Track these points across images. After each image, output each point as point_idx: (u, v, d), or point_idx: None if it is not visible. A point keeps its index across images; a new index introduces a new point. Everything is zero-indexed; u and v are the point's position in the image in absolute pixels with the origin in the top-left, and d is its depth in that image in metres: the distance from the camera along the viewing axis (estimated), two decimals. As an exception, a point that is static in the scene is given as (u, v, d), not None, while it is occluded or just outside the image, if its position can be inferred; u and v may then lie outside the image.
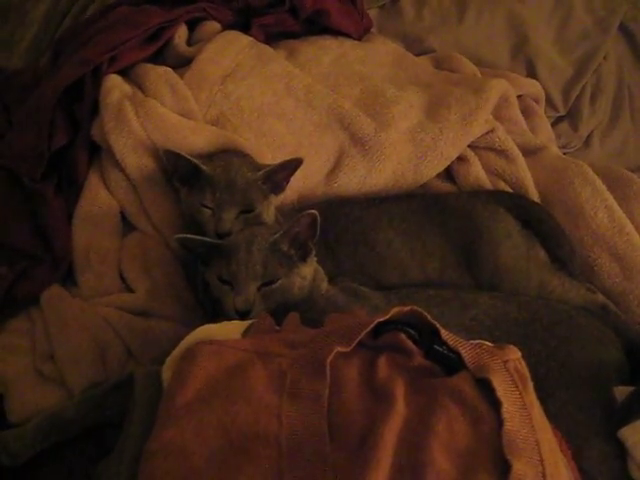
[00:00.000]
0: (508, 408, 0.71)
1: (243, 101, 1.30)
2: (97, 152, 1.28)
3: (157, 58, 1.37)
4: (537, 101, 1.58)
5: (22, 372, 1.06)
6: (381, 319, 0.80)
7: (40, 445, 0.94)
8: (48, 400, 1.03)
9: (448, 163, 1.35)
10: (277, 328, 0.88)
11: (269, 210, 1.17)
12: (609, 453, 0.91)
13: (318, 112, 1.34)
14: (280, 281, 1.03)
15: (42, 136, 1.22)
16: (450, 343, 0.79)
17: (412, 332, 0.81)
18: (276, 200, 1.19)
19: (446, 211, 1.24)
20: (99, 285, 1.18)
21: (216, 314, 1.09)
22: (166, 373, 0.82)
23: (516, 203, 1.28)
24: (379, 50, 1.54)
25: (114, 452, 0.84)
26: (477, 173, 1.36)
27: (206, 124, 1.26)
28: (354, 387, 0.75)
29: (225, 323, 0.89)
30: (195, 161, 1.13)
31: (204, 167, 1.13)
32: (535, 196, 1.33)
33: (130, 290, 1.19)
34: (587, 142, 1.63)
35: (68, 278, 1.21)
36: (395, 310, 0.81)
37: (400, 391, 0.73)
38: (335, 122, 1.34)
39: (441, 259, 1.20)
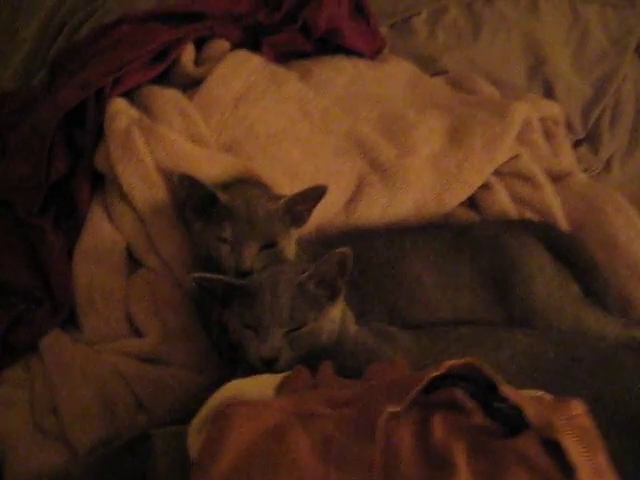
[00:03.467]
0: (582, 475, 0.63)
1: (257, 125, 1.23)
2: (99, 182, 1.19)
3: (162, 79, 1.28)
4: (556, 124, 1.52)
5: (21, 428, 0.98)
6: (435, 374, 0.72)
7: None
8: (50, 460, 0.95)
9: (472, 191, 1.28)
10: (314, 381, 0.80)
11: (291, 244, 1.09)
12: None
13: (335, 137, 1.27)
14: (308, 326, 0.94)
15: (40, 165, 1.13)
16: (512, 399, 0.71)
17: (468, 386, 0.74)
18: (297, 233, 1.11)
19: (475, 243, 1.17)
20: (104, 329, 1.09)
21: (233, 360, 1.02)
22: (192, 436, 0.74)
23: (546, 233, 1.21)
24: (394, 71, 1.47)
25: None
26: (502, 201, 1.28)
27: (220, 152, 1.18)
28: (409, 452, 0.68)
29: (255, 377, 0.82)
30: (213, 189, 1.05)
31: (223, 197, 1.05)
32: (564, 225, 1.27)
33: (138, 334, 1.10)
34: (607, 166, 1.57)
35: (69, 321, 1.12)
36: (449, 363, 0.74)
37: (461, 456, 0.67)
38: (354, 148, 1.26)
39: (472, 294, 1.13)
